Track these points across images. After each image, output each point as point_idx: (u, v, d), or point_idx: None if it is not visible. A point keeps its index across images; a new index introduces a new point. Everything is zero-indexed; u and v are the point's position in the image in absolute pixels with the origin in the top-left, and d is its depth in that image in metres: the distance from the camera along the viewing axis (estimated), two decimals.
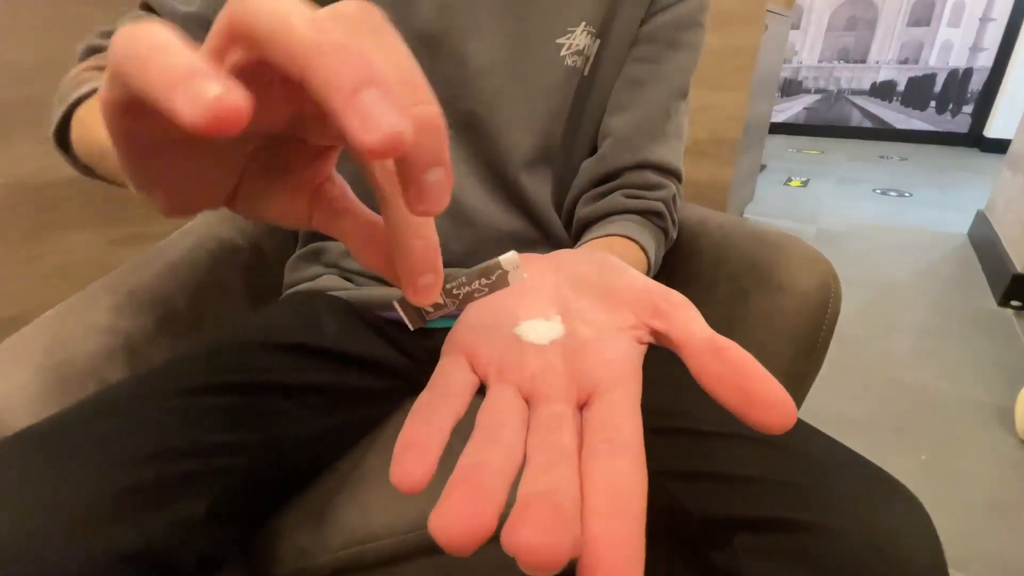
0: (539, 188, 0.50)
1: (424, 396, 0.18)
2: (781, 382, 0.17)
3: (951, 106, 3.64)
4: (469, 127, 0.46)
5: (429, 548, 0.38)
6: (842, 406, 1.09)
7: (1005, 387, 1.12)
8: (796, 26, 3.90)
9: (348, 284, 0.49)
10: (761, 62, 1.60)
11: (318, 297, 0.48)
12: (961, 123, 3.64)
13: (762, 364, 0.17)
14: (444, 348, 0.21)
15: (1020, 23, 3.23)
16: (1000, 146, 3.29)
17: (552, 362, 0.19)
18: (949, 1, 3.45)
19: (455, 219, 0.48)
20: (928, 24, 3.57)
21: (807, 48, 3.97)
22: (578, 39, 0.45)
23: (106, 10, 0.67)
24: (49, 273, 0.71)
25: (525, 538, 0.12)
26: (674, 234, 0.50)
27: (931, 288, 1.58)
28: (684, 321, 0.19)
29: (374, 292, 0.48)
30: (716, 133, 1.67)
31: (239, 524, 0.34)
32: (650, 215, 0.48)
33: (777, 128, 4.19)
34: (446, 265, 0.56)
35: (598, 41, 0.47)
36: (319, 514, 0.37)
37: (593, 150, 0.51)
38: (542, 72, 0.46)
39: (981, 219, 1.86)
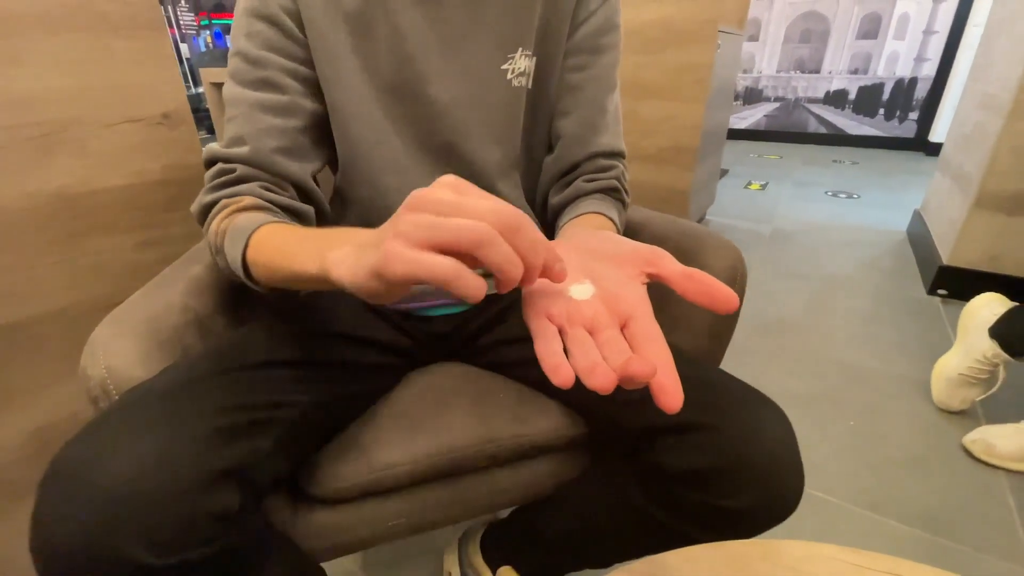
0: (512, 191, 0.61)
1: (540, 342, 0.27)
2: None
3: (898, 113, 3.91)
4: (449, 154, 0.56)
5: (435, 474, 0.50)
6: (786, 382, 1.24)
7: (927, 364, 1.27)
8: (755, 38, 4.13)
9: None
10: (716, 76, 1.76)
11: (337, 294, 0.58)
12: (908, 129, 3.90)
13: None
14: (527, 314, 0.30)
15: (960, 35, 3.50)
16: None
17: (599, 308, 0.29)
18: (895, 15, 3.72)
19: None
20: (876, 37, 3.83)
21: (766, 59, 4.21)
22: (519, 63, 0.55)
23: (131, 42, 0.78)
24: (85, 272, 0.80)
25: (634, 368, 0.23)
26: (628, 201, 0.61)
27: (870, 280, 1.76)
28: (667, 264, 0.30)
29: None
30: (676, 141, 1.82)
31: (293, 457, 0.45)
32: (609, 191, 0.58)
33: (740, 134, 4.41)
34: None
35: (535, 59, 0.57)
36: (349, 449, 0.48)
37: (549, 147, 0.62)
38: (496, 97, 0.56)
39: (917, 217, 2.05)
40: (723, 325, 0.55)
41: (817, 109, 4.19)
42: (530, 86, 0.57)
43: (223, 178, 0.49)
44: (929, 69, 3.71)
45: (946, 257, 1.61)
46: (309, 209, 0.53)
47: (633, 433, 0.45)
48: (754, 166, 3.43)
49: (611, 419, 0.48)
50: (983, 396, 1.09)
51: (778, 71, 4.21)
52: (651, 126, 1.86)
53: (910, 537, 0.84)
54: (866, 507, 0.90)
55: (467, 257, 0.24)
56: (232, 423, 0.38)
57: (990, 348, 1.03)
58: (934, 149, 3.68)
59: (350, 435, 0.50)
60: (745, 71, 4.31)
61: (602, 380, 0.23)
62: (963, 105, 1.87)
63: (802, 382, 1.24)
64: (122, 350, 0.39)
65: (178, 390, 0.38)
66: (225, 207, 0.47)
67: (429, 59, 0.53)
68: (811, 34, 4.03)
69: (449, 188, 0.26)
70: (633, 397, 0.44)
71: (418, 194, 0.26)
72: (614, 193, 0.59)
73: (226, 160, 0.50)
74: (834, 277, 1.77)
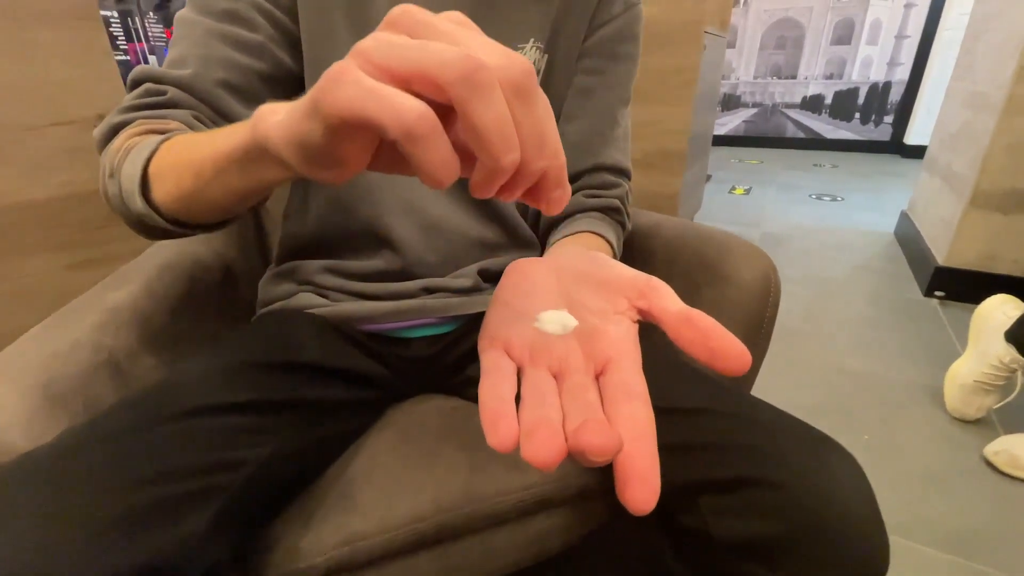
0: None
1: (486, 381, 0.21)
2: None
3: (873, 116, 3.96)
4: None
5: (419, 543, 0.40)
6: (792, 394, 1.17)
7: (934, 369, 1.22)
8: (732, 45, 4.16)
9: (324, 301, 0.51)
10: (702, 79, 1.71)
11: (296, 316, 0.49)
12: (884, 132, 3.95)
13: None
14: (482, 345, 0.25)
15: (932, 39, 3.56)
16: (919, 152, 3.60)
17: (572, 346, 0.23)
18: (867, 21, 3.77)
19: (427, 231, 0.50)
20: (849, 42, 3.89)
21: (743, 66, 4.24)
22: (529, 54, 0.49)
23: (59, 32, 0.67)
24: (5, 299, 0.68)
25: (588, 440, 0.17)
26: (629, 226, 0.54)
27: (865, 283, 1.71)
28: (661, 300, 0.24)
29: (350, 307, 0.50)
30: (664, 146, 1.76)
31: (237, 536, 0.35)
32: (609, 211, 0.52)
33: (720, 140, 4.43)
34: (421, 276, 0.58)
35: (546, 56, 0.51)
36: (311, 516, 0.38)
37: None
38: None
39: (905, 218, 2.03)
40: (755, 345, 0.47)
41: (794, 114, 4.22)
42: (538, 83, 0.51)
43: (149, 99, 0.40)
44: (902, 73, 3.76)
45: (941, 258, 1.57)
46: None
47: (667, 489, 0.36)
48: (736, 171, 3.42)
49: None
50: (1000, 404, 1.03)
51: (755, 77, 4.24)
52: (636, 130, 1.80)
53: (945, 564, 0.77)
54: (894, 532, 0.83)
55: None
56: (149, 502, 0.28)
57: (1006, 353, 0.98)
58: (910, 151, 3.73)
59: (312, 498, 0.40)
60: (724, 77, 4.33)
61: (541, 450, 0.17)
62: (947, 105, 1.86)
63: (810, 394, 1.17)
64: None
65: (72, 460, 0.29)
66: (141, 124, 0.38)
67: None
68: (786, 40, 4.07)
69: (451, 20, 0.18)
70: (668, 441, 0.36)
71: (403, 8, 0.18)
72: (615, 214, 0.53)
73: (157, 80, 0.41)
74: (829, 281, 1.73)
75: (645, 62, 2.06)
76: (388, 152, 0.21)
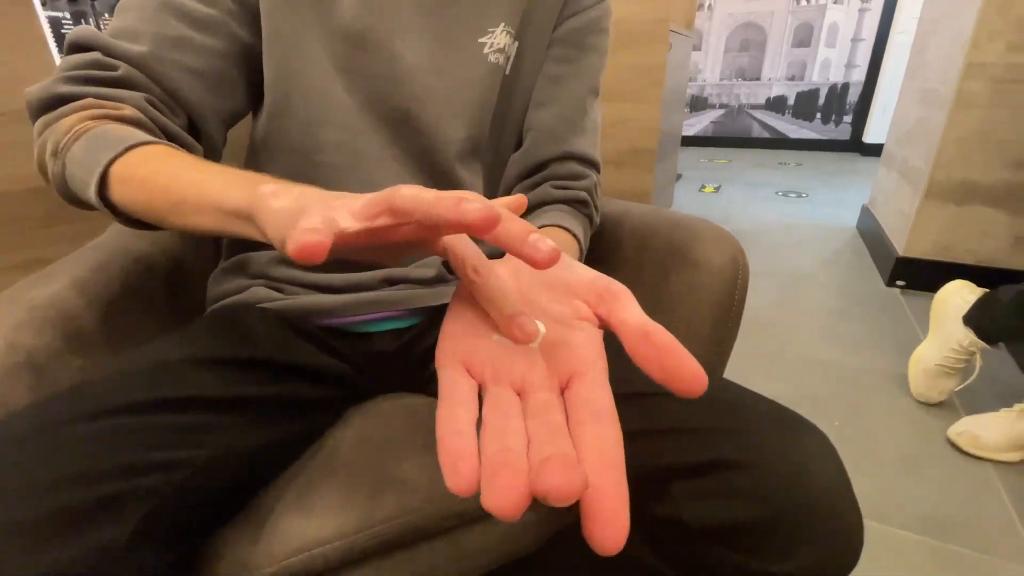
0: (473, 180, 0.51)
1: (444, 408, 0.20)
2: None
3: (834, 116, 4.09)
4: (404, 122, 0.47)
5: (382, 548, 0.38)
6: (763, 385, 1.18)
7: (899, 356, 1.25)
8: (698, 48, 4.25)
9: (277, 294, 0.48)
10: (669, 78, 1.73)
11: (247, 310, 0.46)
12: (844, 131, 4.08)
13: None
14: (439, 361, 0.24)
15: (885, 42, 3.70)
16: (876, 150, 3.72)
17: (535, 359, 0.23)
18: (825, 24, 3.90)
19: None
20: (809, 45, 4.01)
21: (709, 68, 4.33)
22: (498, 38, 0.48)
23: None
24: None
25: (552, 483, 0.16)
26: (597, 220, 0.53)
27: (831, 275, 1.76)
28: (620, 310, 0.23)
29: (306, 300, 0.47)
30: (635, 143, 1.77)
31: (173, 546, 0.32)
32: (577, 204, 0.51)
33: (689, 141, 4.51)
34: (381, 266, 0.55)
35: (516, 43, 0.50)
36: (261, 524, 0.36)
37: (519, 146, 0.54)
38: (468, 68, 0.48)
39: (866, 212, 2.09)
40: (725, 329, 0.46)
41: (759, 115, 4.33)
42: (508, 71, 0.50)
43: (99, 72, 0.38)
44: (859, 75, 3.90)
45: (901, 249, 1.62)
46: (202, 151, 0.44)
47: (637, 476, 0.34)
48: (705, 170, 3.49)
49: None
50: (961, 386, 1.06)
51: (721, 79, 4.34)
52: (608, 130, 1.81)
53: (919, 546, 0.78)
54: (869, 516, 0.84)
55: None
56: (54, 509, 0.25)
57: (965, 336, 1.00)
58: (869, 149, 3.86)
59: (264, 503, 0.37)
60: (691, 79, 4.41)
61: (503, 499, 0.16)
62: (901, 103, 1.92)
63: (781, 383, 1.19)
64: None
65: None
66: (93, 107, 0.36)
67: (400, 13, 0.45)
68: (750, 43, 4.17)
69: None
70: (635, 427, 0.35)
71: None
72: (582, 207, 0.52)
73: (107, 51, 0.39)
74: (797, 274, 1.77)
75: (613, 60, 2.07)
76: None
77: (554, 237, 0.46)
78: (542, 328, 0.24)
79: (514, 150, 0.54)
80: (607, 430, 0.19)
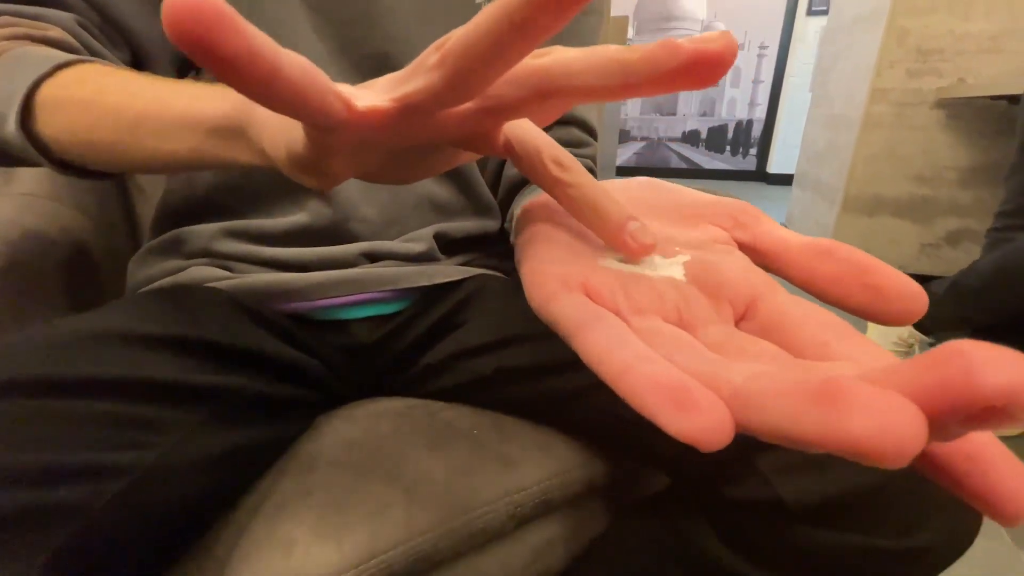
0: None
1: (595, 333, 0.13)
2: None
3: (741, 149, 4.48)
4: (381, 68, 0.40)
5: None
6: None
7: None
8: None
9: (226, 273, 0.38)
10: (604, 108, 1.79)
11: (185, 291, 0.36)
12: (750, 163, 4.48)
13: None
14: (545, 289, 0.16)
15: (781, 83, 4.14)
16: (780, 179, 4.12)
17: (687, 291, 0.16)
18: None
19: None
20: (717, 85, 4.40)
21: (631, 103, 4.61)
22: None
23: None
24: None
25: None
26: None
27: None
28: (770, 229, 0.18)
29: (263, 279, 0.37)
30: None
31: None
32: None
33: (620, 172, 4.74)
34: (359, 238, 0.46)
35: None
36: (225, 559, 0.25)
37: None
38: (456, 17, 0.42)
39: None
40: None
41: (676, 147, 4.66)
42: None
43: None
44: (761, 112, 4.32)
45: None
46: None
47: (709, 460, 0.28)
48: None
49: (666, 441, 0.32)
50: None
51: (641, 113, 4.63)
52: None
53: None
54: None
55: None
56: None
57: (904, 329, 1.07)
58: (773, 179, 4.25)
59: (223, 534, 0.27)
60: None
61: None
62: (809, 129, 2.12)
63: None
64: None
65: None
66: (12, 25, 0.30)
67: None
68: None
69: None
70: None
71: None
72: None
73: None
74: None
75: None
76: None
77: None
78: (680, 260, 0.17)
79: None
80: (871, 346, 0.13)
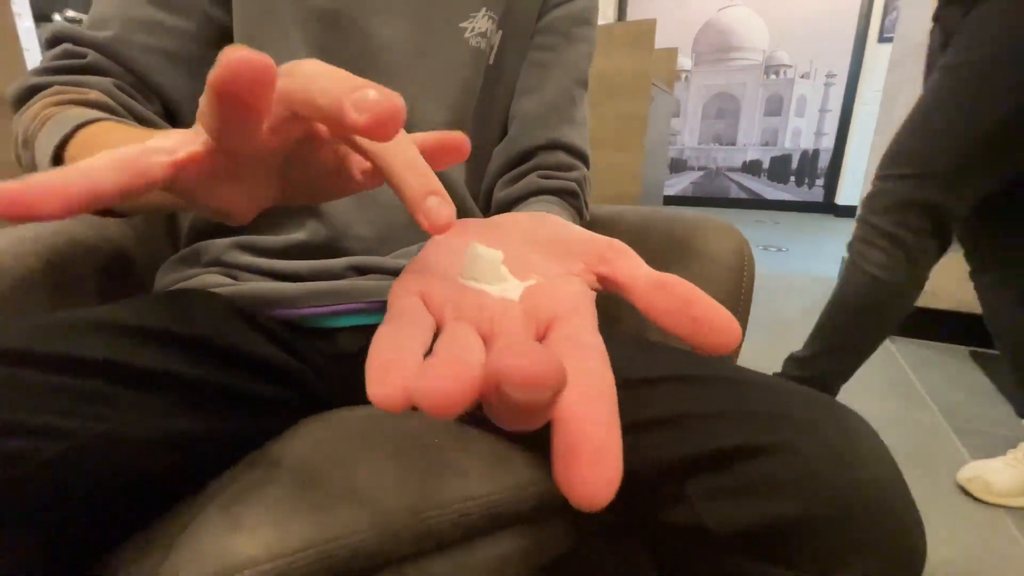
0: (453, 170, 0.47)
1: (385, 328, 0.17)
2: None
3: (806, 180, 4.28)
4: None
5: (324, 573, 0.30)
6: None
7: (893, 401, 1.22)
8: (676, 114, 4.49)
9: (229, 280, 0.42)
10: (652, 129, 1.79)
11: (190, 295, 0.40)
12: (816, 193, 4.26)
13: None
14: (393, 291, 0.20)
15: (851, 112, 3.95)
16: (848, 211, 3.88)
17: (510, 306, 0.19)
18: (794, 96, 4.17)
19: (360, 200, 0.44)
20: (780, 114, 4.26)
21: (687, 132, 4.55)
22: (480, 22, 0.46)
23: None
24: None
25: (507, 361, 0.11)
26: (587, 216, 0.50)
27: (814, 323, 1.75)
28: (628, 265, 0.20)
29: (259, 286, 0.41)
30: (620, 188, 1.80)
31: (49, 558, 0.24)
32: (565, 195, 0.47)
33: (671, 200, 4.66)
34: (351, 254, 0.50)
35: (500, 32, 0.48)
36: (176, 534, 0.28)
37: (504, 138, 0.51)
38: (448, 50, 0.46)
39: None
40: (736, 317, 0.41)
41: (736, 176, 4.52)
42: (491, 60, 0.49)
43: (68, 61, 0.38)
44: (828, 142, 4.13)
45: None
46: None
47: (642, 477, 0.28)
48: None
49: None
50: None
51: (699, 143, 4.55)
52: (594, 174, 1.84)
53: None
54: None
55: None
56: None
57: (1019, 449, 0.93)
58: (841, 211, 4.02)
59: (182, 514, 0.30)
60: (671, 143, 4.63)
61: (440, 380, 0.12)
62: (873, 162, 2.00)
63: None
64: None
65: None
66: (60, 93, 0.36)
67: None
68: (725, 111, 4.42)
69: None
70: (636, 417, 0.29)
71: None
72: (572, 199, 0.49)
73: (76, 41, 0.39)
74: (787, 324, 1.75)
75: (598, 111, 2.13)
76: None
77: None
78: (519, 285, 0.20)
79: (499, 142, 0.51)
80: (594, 363, 0.15)
